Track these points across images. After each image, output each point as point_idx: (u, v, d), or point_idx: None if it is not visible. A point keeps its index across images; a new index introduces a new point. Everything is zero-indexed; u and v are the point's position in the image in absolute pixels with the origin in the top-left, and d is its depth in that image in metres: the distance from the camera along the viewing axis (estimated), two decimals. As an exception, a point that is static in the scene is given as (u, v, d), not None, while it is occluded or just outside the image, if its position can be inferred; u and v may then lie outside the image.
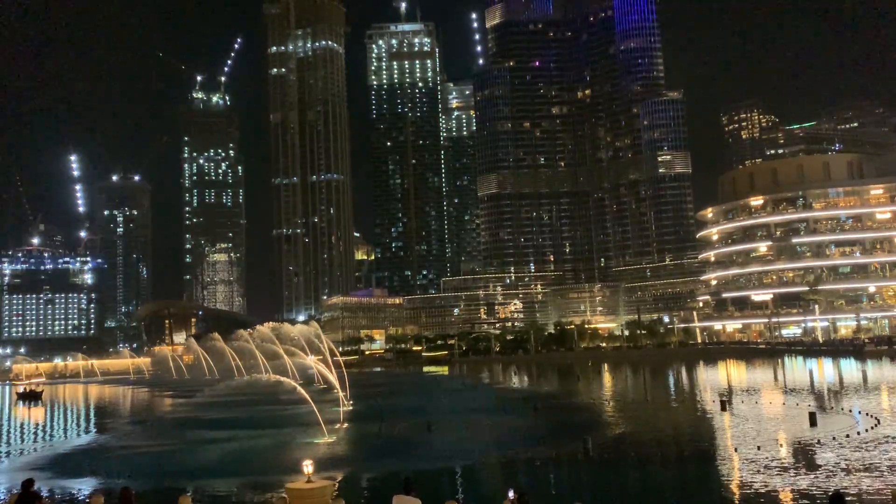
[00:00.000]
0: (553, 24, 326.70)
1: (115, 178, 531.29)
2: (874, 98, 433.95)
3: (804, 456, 34.55)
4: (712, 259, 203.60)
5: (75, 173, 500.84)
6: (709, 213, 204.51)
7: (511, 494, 17.20)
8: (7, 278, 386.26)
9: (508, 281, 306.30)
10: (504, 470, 36.40)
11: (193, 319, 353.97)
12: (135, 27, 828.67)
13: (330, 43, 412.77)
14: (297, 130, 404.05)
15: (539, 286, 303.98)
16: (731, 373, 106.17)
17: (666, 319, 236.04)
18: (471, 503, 30.12)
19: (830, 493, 15.93)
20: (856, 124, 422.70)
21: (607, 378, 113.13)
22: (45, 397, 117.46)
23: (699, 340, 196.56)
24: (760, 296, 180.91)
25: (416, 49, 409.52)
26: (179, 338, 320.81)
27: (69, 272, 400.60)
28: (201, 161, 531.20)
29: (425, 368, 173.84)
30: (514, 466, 36.84)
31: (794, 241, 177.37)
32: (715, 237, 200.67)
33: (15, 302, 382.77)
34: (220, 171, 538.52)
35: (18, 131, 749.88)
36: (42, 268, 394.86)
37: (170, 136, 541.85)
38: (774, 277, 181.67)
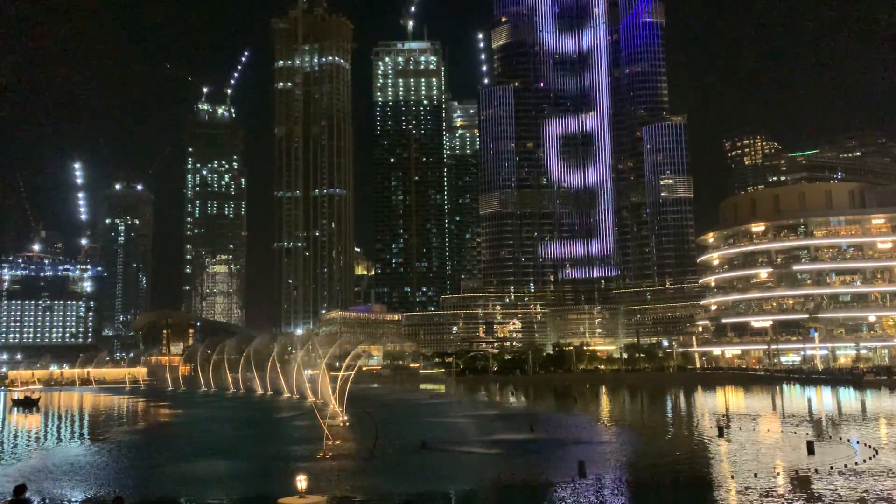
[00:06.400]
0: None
1: (117, 186, 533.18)
2: (876, 128, 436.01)
3: (801, 485, 34.32)
4: (712, 284, 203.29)
5: (78, 181, 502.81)
6: (710, 237, 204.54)
7: None
8: (6, 284, 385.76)
9: (508, 300, 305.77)
10: (499, 492, 36.15)
11: (191, 330, 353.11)
12: (143, 38, 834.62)
13: (336, 59, 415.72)
14: (300, 144, 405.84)
15: (538, 306, 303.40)
16: (729, 399, 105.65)
17: (665, 343, 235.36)
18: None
19: None
20: (858, 153, 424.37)
21: (605, 401, 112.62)
22: (41, 404, 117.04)
23: (698, 365, 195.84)
24: (760, 322, 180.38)
25: (422, 67, 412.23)
26: (177, 348, 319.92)
27: (68, 279, 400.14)
28: (205, 172, 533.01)
29: (422, 386, 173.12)
30: (510, 489, 36.58)
31: (795, 268, 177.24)
32: (715, 262, 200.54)
33: (13, 308, 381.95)
34: (223, 182, 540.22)
35: (23, 138, 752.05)
36: (41, 274, 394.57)
37: (174, 146, 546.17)
38: (774, 304, 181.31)
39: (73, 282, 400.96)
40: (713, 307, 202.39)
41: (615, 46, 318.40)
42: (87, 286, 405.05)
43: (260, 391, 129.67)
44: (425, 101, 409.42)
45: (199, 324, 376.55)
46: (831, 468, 37.26)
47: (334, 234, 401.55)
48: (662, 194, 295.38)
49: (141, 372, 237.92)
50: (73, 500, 36.04)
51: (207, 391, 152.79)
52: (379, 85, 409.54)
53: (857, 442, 48.20)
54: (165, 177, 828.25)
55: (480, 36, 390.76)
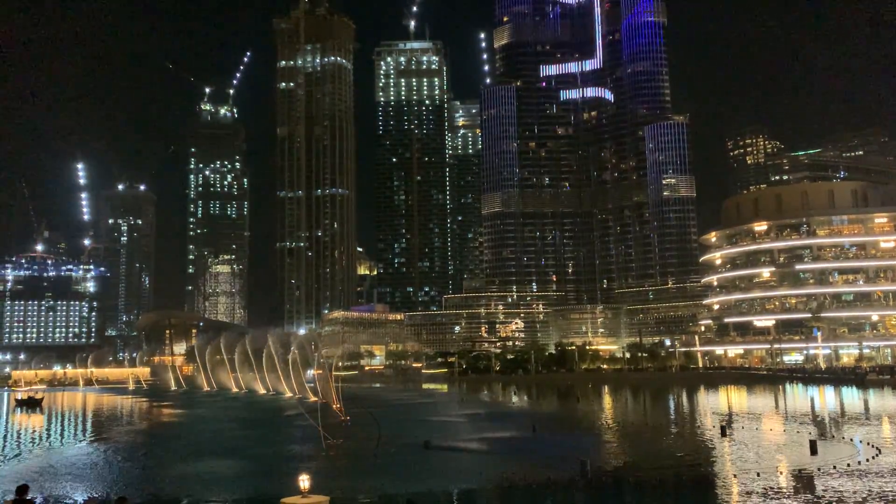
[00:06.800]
0: (561, 45, 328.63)
1: (120, 187, 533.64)
2: (879, 126, 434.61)
3: (804, 484, 34.29)
4: (715, 283, 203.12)
5: (81, 181, 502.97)
6: (712, 237, 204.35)
7: None
8: (9, 284, 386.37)
9: (510, 300, 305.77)
10: (502, 493, 36.15)
11: (194, 330, 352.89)
12: (145, 38, 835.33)
13: (338, 59, 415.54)
14: (303, 144, 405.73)
15: (541, 306, 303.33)
16: (732, 398, 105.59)
17: (667, 343, 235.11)
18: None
19: None
20: (861, 152, 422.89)
21: (607, 400, 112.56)
22: (44, 405, 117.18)
23: (700, 365, 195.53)
24: (763, 321, 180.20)
25: (424, 67, 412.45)
26: (180, 348, 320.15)
27: (71, 280, 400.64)
28: (207, 172, 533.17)
29: (424, 385, 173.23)
30: (513, 489, 36.59)
31: (798, 267, 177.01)
32: (718, 262, 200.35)
33: (17, 308, 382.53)
34: (225, 182, 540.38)
35: (25, 138, 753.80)
36: (45, 275, 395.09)
37: (177, 146, 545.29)
38: (777, 303, 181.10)
39: (76, 282, 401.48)
40: (716, 306, 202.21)
41: (617, 45, 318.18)
42: (90, 286, 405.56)
43: (262, 391, 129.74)
44: (427, 101, 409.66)
45: (201, 324, 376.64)
46: (834, 468, 37.22)
47: (336, 234, 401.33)
48: (665, 193, 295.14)
49: (144, 372, 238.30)
50: (75, 499, 36.11)
51: (210, 391, 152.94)
52: (381, 85, 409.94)
53: (861, 441, 48.13)
54: (168, 177, 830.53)
55: (482, 35, 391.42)
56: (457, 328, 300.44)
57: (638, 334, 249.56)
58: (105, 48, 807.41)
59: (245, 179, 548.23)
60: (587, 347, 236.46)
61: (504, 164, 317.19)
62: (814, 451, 42.50)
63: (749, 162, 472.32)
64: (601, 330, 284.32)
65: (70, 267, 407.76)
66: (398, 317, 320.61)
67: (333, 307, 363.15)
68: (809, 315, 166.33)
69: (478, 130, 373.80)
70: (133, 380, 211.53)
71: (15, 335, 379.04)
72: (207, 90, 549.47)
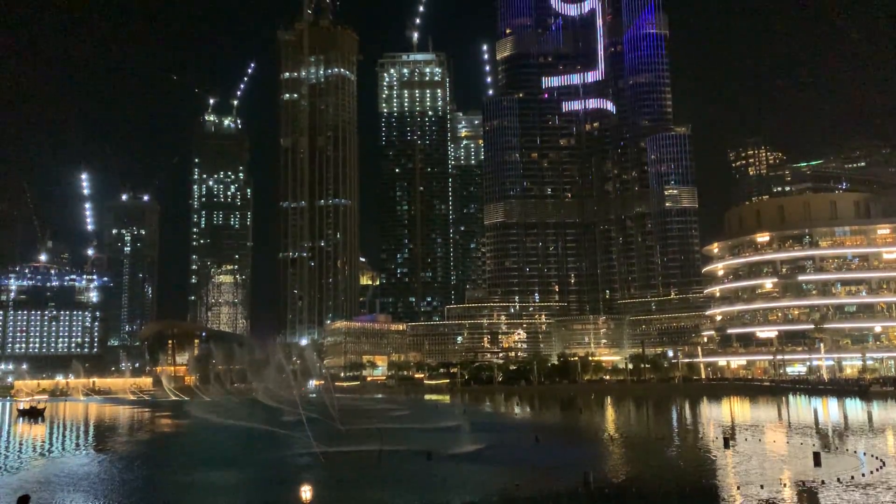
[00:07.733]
0: (563, 57, 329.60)
1: (124, 197, 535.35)
2: (881, 138, 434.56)
3: (807, 497, 34.16)
4: (717, 294, 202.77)
5: (85, 191, 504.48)
6: (715, 248, 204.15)
7: None
8: (13, 294, 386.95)
9: (513, 310, 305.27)
10: None
11: (197, 340, 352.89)
12: (150, 49, 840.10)
13: (342, 70, 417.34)
14: (306, 155, 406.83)
15: (543, 317, 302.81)
16: (735, 409, 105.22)
17: (670, 354, 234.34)
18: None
19: None
20: (863, 164, 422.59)
21: (610, 411, 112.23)
22: (47, 415, 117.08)
23: (703, 376, 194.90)
24: (765, 332, 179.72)
25: (427, 78, 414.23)
26: (182, 358, 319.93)
27: (75, 289, 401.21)
28: (211, 183, 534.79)
29: (427, 396, 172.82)
30: (516, 500, 36.48)
31: (800, 278, 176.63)
32: (720, 272, 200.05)
33: (20, 318, 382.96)
34: (228, 193, 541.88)
35: (30, 148, 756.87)
36: (48, 284, 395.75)
37: (181, 157, 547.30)
38: (780, 314, 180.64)
39: (79, 292, 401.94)
40: (718, 317, 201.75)
41: (620, 57, 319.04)
42: (94, 296, 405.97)
43: (263, 401, 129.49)
44: (430, 112, 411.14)
45: (204, 334, 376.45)
46: (838, 480, 37.08)
47: (339, 244, 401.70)
48: (667, 204, 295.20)
49: (146, 382, 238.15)
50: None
51: (211, 400, 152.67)
52: (384, 96, 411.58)
53: (864, 453, 47.93)
54: (172, 187, 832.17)
55: (485, 47, 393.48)
56: (459, 339, 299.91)
57: (640, 345, 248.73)
58: (111, 59, 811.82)
59: (248, 190, 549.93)
60: (590, 358, 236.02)
61: (506, 175, 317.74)
62: (817, 463, 42.36)
63: (751, 173, 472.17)
64: (604, 341, 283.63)
65: (73, 277, 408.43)
66: (400, 327, 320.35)
67: (336, 317, 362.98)
68: (812, 326, 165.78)
69: (480, 141, 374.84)
70: (132, 390, 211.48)
71: (18, 345, 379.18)
72: (211, 101, 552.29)
